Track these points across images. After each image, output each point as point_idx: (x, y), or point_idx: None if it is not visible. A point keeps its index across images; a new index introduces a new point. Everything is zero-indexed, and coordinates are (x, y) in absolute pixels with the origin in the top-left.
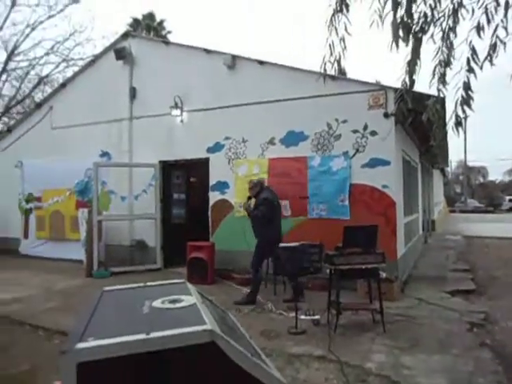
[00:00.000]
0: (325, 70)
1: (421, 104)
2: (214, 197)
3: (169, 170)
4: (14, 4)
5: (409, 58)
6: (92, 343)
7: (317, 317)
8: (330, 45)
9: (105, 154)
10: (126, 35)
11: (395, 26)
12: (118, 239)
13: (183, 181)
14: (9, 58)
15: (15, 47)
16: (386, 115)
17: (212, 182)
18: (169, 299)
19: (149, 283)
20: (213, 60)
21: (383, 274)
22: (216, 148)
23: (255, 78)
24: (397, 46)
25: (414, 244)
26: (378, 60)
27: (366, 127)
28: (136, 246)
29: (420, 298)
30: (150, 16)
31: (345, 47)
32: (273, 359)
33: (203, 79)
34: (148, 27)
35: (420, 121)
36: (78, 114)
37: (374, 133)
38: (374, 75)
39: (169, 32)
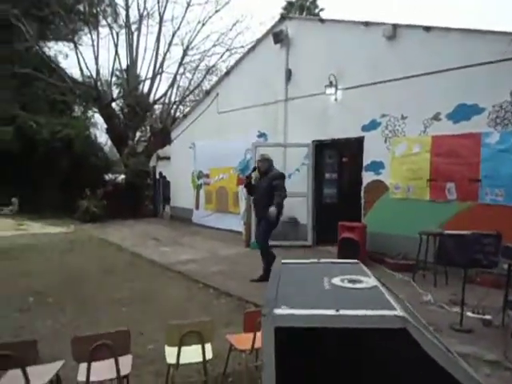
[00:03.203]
0: None
1: None
2: (367, 177)
3: (321, 149)
4: (188, 4)
5: None
6: (286, 311)
7: (488, 316)
8: None
9: (262, 135)
10: (282, 18)
11: None
12: None
13: (336, 160)
14: (184, 53)
15: (189, 43)
16: None
17: (366, 161)
18: (348, 278)
19: (322, 260)
20: (370, 33)
21: None
22: (372, 126)
23: (419, 47)
24: None
25: None
26: None
27: None
28: (288, 222)
29: None
30: None
31: None
32: None
33: (359, 54)
34: (301, 7)
35: None
36: (240, 99)
37: None
38: None
39: (321, 10)
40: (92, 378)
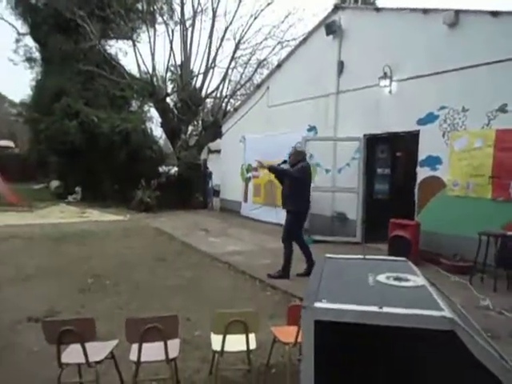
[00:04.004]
0: None
1: None
2: (422, 173)
3: (373, 143)
4: None
5: None
6: (326, 305)
7: None
8: None
9: (312, 129)
10: (336, 8)
11: None
12: (320, 209)
13: (388, 155)
14: (236, 48)
15: (241, 37)
16: None
17: (421, 156)
18: (393, 276)
19: (368, 256)
20: (429, 21)
21: None
22: (428, 119)
23: (484, 34)
24: None
25: None
26: None
27: None
28: (337, 217)
29: None
30: None
31: None
32: None
33: (417, 44)
34: None
35: None
36: (290, 92)
37: None
38: None
39: None
40: (143, 359)
